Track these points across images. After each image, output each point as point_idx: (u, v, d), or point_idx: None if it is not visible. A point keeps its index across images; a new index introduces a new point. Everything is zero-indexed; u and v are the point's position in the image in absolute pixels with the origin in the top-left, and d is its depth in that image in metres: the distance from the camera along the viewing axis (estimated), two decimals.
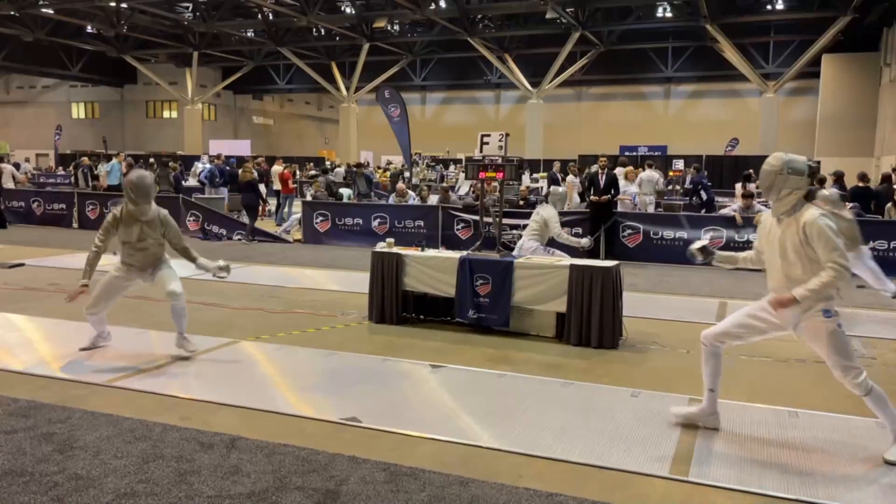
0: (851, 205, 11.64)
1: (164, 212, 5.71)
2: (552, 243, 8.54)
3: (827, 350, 3.84)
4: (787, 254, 3.86)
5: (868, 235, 10.41)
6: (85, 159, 21.72)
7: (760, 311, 4.09)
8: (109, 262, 5.94)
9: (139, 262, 5.64)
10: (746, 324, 4.14)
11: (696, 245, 4.41)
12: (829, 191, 8.21)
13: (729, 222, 11.21)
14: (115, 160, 18.83)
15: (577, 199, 14.81)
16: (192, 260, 5.71)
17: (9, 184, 16.92)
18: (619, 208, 12.59)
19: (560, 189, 8.67)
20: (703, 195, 14.68)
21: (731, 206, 12.02)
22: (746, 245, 11.02)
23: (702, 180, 15.33)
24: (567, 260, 6.90)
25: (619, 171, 14.59)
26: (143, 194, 5.45)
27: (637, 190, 14.79)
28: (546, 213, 8.28)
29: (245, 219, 14.29)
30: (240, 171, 18.52)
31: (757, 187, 16.36)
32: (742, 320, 4.15)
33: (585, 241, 8.52)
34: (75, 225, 15.77)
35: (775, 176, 3.87)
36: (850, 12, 25.15)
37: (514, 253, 8.45)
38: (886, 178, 13.71)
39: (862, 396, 3.83)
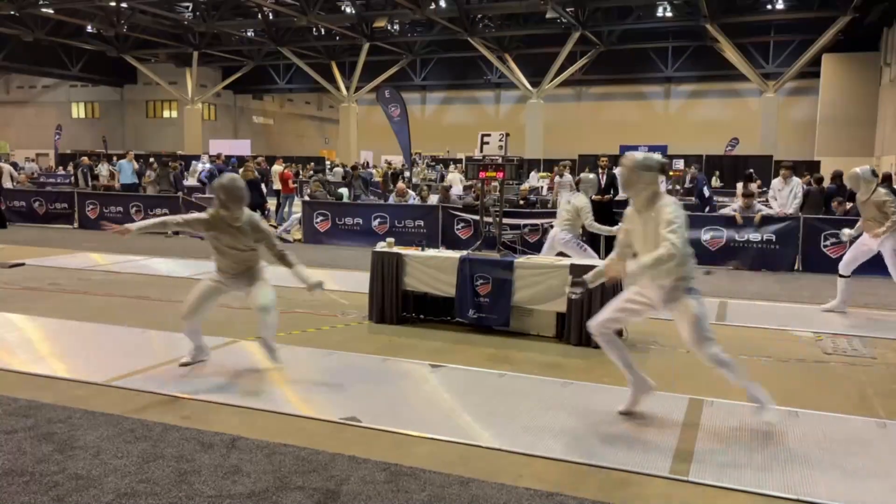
0: (851, 204, 11.65)
1: (256, 216, 5.31)
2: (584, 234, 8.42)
3: (690, 325, 4.15)
4: (650, 242, 4.12)
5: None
6: (85, 159, 21.76)
7: (634, 295, 4.43)
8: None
9: (232, 269, 5.27)
10: (624, 307, 4.46)
11: (570, 285, 4.53)
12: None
13: (729, 222, 11.20)
14: (124, 160, 18.86)
15: (568, 197, 14.82)
16: (289, 266, 5.29)
17: (8, 183, 16.93)
18: None
19: (591, 175, 8.59)
20: (706, 192, 14.71)
21: (732, 206, 12.02)
22: (746, 244, 11.03)
23: (702, 179, 15.37)
24: (575, 259, 6.90)
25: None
26: (236, 199, 5.05)
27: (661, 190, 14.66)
28: (578, 202, 8.14)
29: None
30: (240, 170, 18.57)
31: (759, 187, 16.42)
32: (620, 305, 4.47)
33: (616, 229, 8.37)
34: (75, 224, 15.78)
35: (629, 174, 4.18)
36: (850, 12, 25.15)
37: (546, 245, 8.40)
38: (887, 178, 13.72)
39: (715, 367, 4.20)
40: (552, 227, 8.64)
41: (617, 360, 4.51)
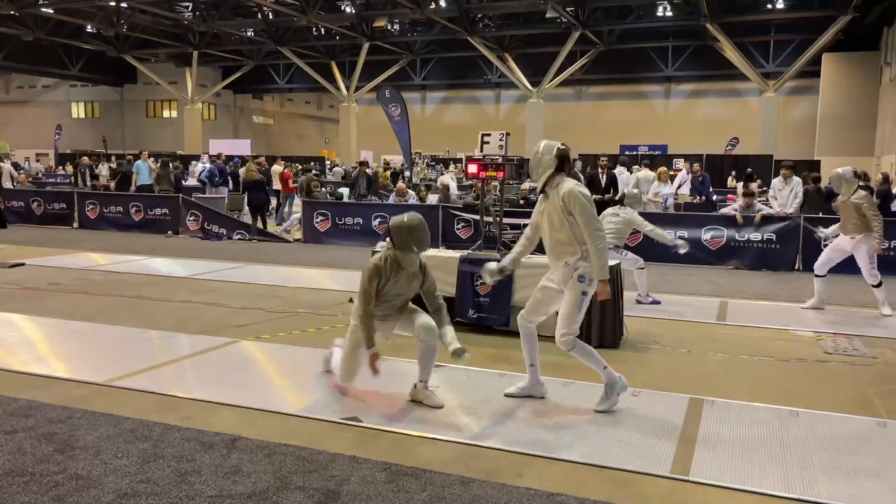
0: None
1: (424, 261, 4.71)
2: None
3: (568, 305, 4.47)
4: (554, 222, 4.47)
5: None
6: (85, 159, 21.77)
7: (546, 283, 4.68)
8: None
9: (390, 314, 4.68)
10: (540, 298, 4.69)
11: (491, 268, 4.70)
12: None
13: (729, 221, 11.20)
14: (140, 160, 18.79)
15: None
16: (440, 326, 4.57)
17: (7, 184, 16.93)
18: (653, 209, 12.56)
19: (635, 191, 8.40)
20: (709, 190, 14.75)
21: (732, 206, 12.01)
22: (746, 244, 11.03)
23: (704, 178, 15.36)
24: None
25: (644, 173, 14.62)
26: (423, 242, 4.46)
27: (670, 190, 14.58)
28: (628, 215, 7.92)
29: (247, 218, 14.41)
30: (242, 170, 18.59)
31: (759, 186, 16.41)
32: (537, 296, 4.71)
33: (681, 243, 8.06)
34: (76, 225, 15.78)
35: (532, 158, 4.58)
36: (850, 11, 25.14)
37: None
38: (886, 178, 13.75)
39: (566, 350, 4.49)
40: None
41: (525, 354, 4.78)
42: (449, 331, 4.58)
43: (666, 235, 8.32)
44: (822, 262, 7.93)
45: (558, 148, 4.53)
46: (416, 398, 4.64)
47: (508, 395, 4.78)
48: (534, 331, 4.78)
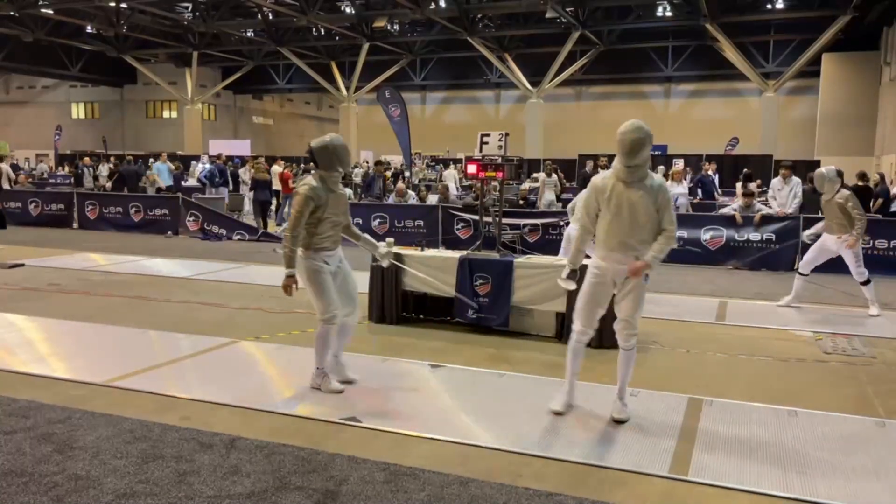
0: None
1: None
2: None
3: (637, 301, 4.40)
4: (639, 215, 4.21)
5: (869, 234, 10.44)
6: (86, 159, 21.77)
7: (597, 280, 4.44)
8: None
9: (337, 241, 4.87)
10: (597, 300, 4.48)
11: (568, 281, 4.60)
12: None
13: (729, 221, 11.20)
14: (160, 162, 18.83)
15: (551, 197, 14.83)
16: (357, 238, 5.10)
17: (6, 185, 16.93)
18: None
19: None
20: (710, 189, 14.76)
21: (731, 206, 12.01)
22: (746, 244, 11.03)
23: (702, 178, 15.37)
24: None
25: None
26: (345, 161, 4.77)
27: (683, 191, 14.50)
28: None
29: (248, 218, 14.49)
30: (242, 170, 18.61)
31: (758, 186, 16.40)
32: (594, 299, 4.47)
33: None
34: (75, 225, 15.78)
35: (643, 144, 4.11)
36: (850, 11, 25.12)
37: (563, 243, 8.33)
38: (883, 179, 13.83)
39: (629, 348, 4.43)
40: (567, 224, 8.58)
41: (575, 370, 4.61)
42: (370, 238, 5.21)
43: None
44: (808, 262, 8.00)
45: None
46: (331, 373, 4.91)
47: (557, 413, 4.49)
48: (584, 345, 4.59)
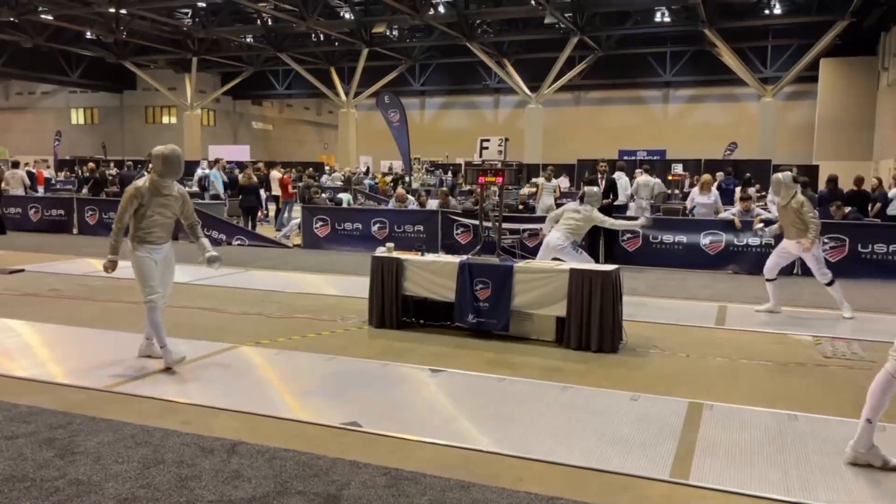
0: (849, 208, 11.67)
1: (184, 190, 5.73)
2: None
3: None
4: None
5: (867, 238, 10.46)
6: (91, 164, 21.78)
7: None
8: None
9: (163, 238, 5.55)
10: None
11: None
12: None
13: (728, 226, 11.21)
14: (214, 169, 18.32)
15: (549, 202, 14.83)
16: (197, 238, 5.71)
17: (19, 191, 16.95)
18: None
19: (595, 189, 8.62)
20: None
21: (731, 210, 12.02)
22: (745, 248, 11.05)
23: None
24: (568, 264, 6.90)
25: (644, 178, 14.67)
26: (175, 170, 5.41)
27: (708, 201, 14.43)
28: (588, 212, 8.03)
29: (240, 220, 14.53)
30: (240, 175, 18.55)
31: (757, 191, 16.42)
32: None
33: (642, 220, 8.74)
34: (75, 231, 15.77)
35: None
36: (847, 16, 25.21)
37: (541, 250, 8.39)
38: (880, 183, 13.85)
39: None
40: (542, 232, 8.62)
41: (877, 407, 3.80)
42: (205, 241, 5.71)
43: (626, 223, 8.91)
44: (771, 267, 8.05)
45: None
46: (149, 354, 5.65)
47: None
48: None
